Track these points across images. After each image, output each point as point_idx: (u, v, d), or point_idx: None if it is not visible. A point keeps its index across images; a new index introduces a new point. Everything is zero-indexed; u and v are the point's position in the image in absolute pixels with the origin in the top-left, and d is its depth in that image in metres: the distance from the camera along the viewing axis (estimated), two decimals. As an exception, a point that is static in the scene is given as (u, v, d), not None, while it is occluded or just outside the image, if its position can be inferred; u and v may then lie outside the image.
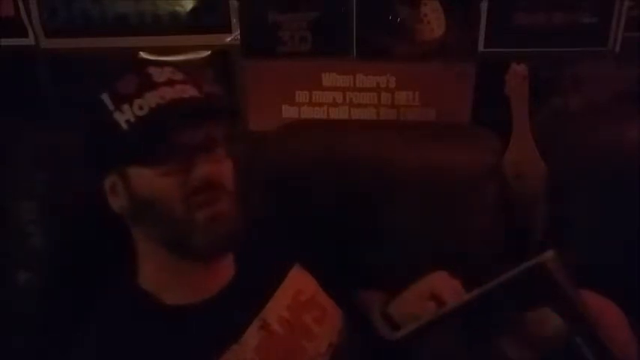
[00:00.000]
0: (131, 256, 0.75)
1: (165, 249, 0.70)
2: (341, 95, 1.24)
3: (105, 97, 0.69)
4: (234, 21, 1.20)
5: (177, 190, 0.67)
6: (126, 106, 0.67)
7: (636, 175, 0.96)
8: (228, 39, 1.22)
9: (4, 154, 0.98)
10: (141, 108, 0.66)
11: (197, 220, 0.67)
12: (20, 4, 1.22)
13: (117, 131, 0.66)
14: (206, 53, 1.25)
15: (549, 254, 0.61)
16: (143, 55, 1.24)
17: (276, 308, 0.74)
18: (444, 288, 0.70)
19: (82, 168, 0.77)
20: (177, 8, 1.21)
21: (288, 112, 1.26)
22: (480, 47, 1.16)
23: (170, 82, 0.69)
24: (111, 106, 0.68)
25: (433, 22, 1.15)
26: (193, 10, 1.20)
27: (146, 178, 0.67)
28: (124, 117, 0.67)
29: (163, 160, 0.66)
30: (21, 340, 0.91)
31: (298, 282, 0.79)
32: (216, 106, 0.75)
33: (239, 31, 1.21)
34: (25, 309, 0.93)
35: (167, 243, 0.70)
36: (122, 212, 0.71)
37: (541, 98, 1.15)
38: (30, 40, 1.25)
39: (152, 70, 0.70)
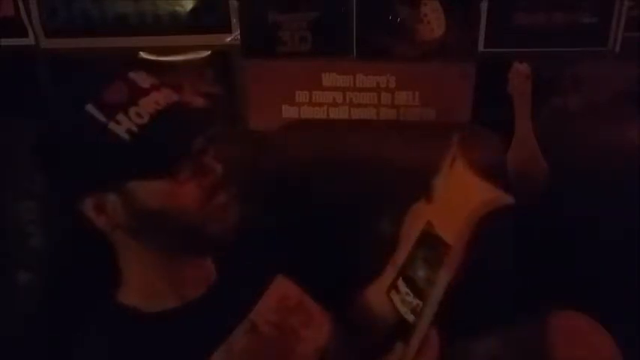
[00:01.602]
0: (112, 271, 0.74)
1: (165, 253, 0.70)
2: (341, 95, 1.24)
3: (91, 109, 0.62)
4: (234, 21, 1.20)
5: (198, 194, 0.66)
6: (121, 116, 0.62)
7: (636, 175, 0.96)
8: (228, 39, 1.22)
9: (4, 154, 0.98)
10: (140, 116, 0.62)
11: (210, 215, 0.67)
12: (20, 4, 1.22)
13: (116, 144, 0.62)
14: (206, 53, 1.25)
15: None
16: (143, 55, 1.24)
17: (264, 311, 0.74)
18: None
19: (60, 192, 0.71)
20: (177, 8, 1.21)
21: (288, 112, 1.26)
22: (480, 47, 1.16)
23: (155, 87, 0.66)
24: (102, 118, 0.62)
25: (433, 22, 1.15)
26: (193, 10, 1.20)
27: (159, 190, 0.64)
28: (122, 127, 0.62)
29: (178, 167, 0.64)
30: (21, 340, 0.91)
31: (283, 288, 0.79)
32: (207, 106, 0.75)
33: (239, 31, 1.21)
34: (25, 309, 0.93)
35: (177, 245, 0.69)
36: (113, 229, 0.68)
37: (541, 98, 1.15)
38: (30, 40, 1.25)
39: (133, 75, 0.67)
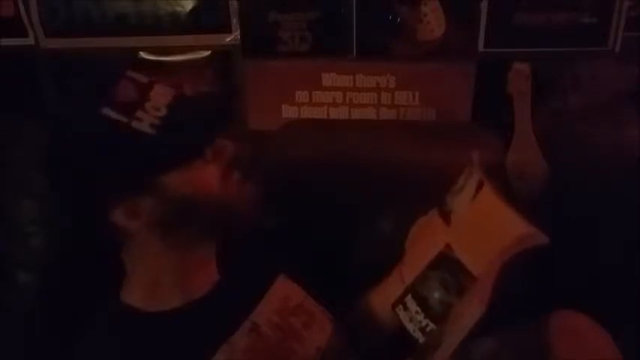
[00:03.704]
0: (115, 271, 0.74)
1: (177, 251, 0.72)
2: (341, 95, 1.24)
3: (108, 112, 0.64)
4: (234, 21, 1.20)
5: (220, 173, 0.69)
6: (140, 112, 0.64)
7: (636, 175, 0.96)
8: (228, 39, 1.22)
9: (4, 154, 0.98)
10: (157, 109, 0.64)
11: (232, 190, 0.71)
12: (20, 4, 1.22)
13: (143, 139, 0.63)
14: (206, 53, 1.25)
15: None
16: (143, 55, 1.24)
17: (266, 311, 0.75)
18: None
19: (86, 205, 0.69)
20: (177, 8, 1.20)
21: (288, 112, 1.26)
22: (480, 47, 1.16)
23: (153, 82, 0.69)
24: (123, 118, 0.63)
25: (433, 22, 1.15)
26: (193, 10, 1.20)
27: (191, 176, 0.67)
28: (145, 123, 0.63)
29: (204, 150, 0.68)
30: (21, 340, 0.91)
31: (286, 289, 0.80)
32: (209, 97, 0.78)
33: (239, 31, 1.21)
34: (25, 309, 0.93)
35: (207, 229, 0.72)
36: (139, 231, 0.69)
37: (541, 98, 1.15)
38: (30, 40, 1.24)
39: (131, 74, 0.69)
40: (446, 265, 0.67)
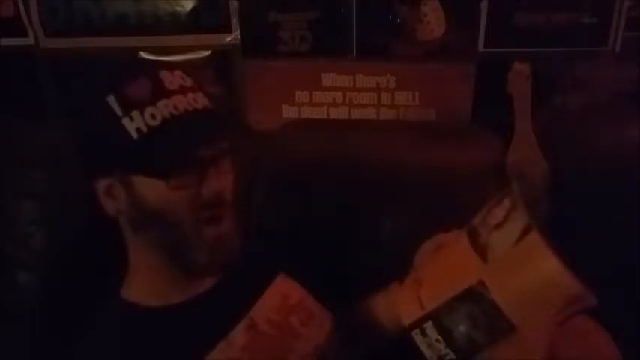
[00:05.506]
0: (119, 264, 0.74)
1: (162, 254, 0.71)
2: (341, 95, 1.24)
3: (111, 100, 0.65)
4: (234, 21, 1.20)
5: (188, 204, 0.66)
6: (136, 113, 0.64)
7: (636, 175, 0.96)
8: (228, 39, 1.22)
9: (4, 154, 0.98)
10: (153, 117, 0.64)
11: (204, 238, 0.68)
12: (20, 4, 1.22)
13: (125, 139, 0.64)
14: (206, 53, 1.25)
15: None
16: (143, 55, 1.24)
17: (264, 309, 0.75)
18: None
19: (76, 167, 0.73)
20: (177, 8, 1.21)
21: (288, 112, 1.26)
22: (480, 47, 1.16)
23: (183, 90, 0.67)
24: (119, 111, 0.64)
25: (433, 22, 1.15)
26: (193, 10, 1.20)
27: (154, 190, 0.65)
28: (133, 125, 0.63)
29: (175, 173, 0.65)
30: (21, 340, 0.91)
31: (285, 287, 0.80)
32: (226, 119, 0.75)
33: (239, 31, 1.21)
34: (25, 309, 0.93)
35: (168, 252, 0.70)
36: (118, 216, 0.70)
37: (541, 98, 1.15)
38: (30, 40, 1.25)
39: (164, 74, 0.67)
40: (477, 300, 0.64)
